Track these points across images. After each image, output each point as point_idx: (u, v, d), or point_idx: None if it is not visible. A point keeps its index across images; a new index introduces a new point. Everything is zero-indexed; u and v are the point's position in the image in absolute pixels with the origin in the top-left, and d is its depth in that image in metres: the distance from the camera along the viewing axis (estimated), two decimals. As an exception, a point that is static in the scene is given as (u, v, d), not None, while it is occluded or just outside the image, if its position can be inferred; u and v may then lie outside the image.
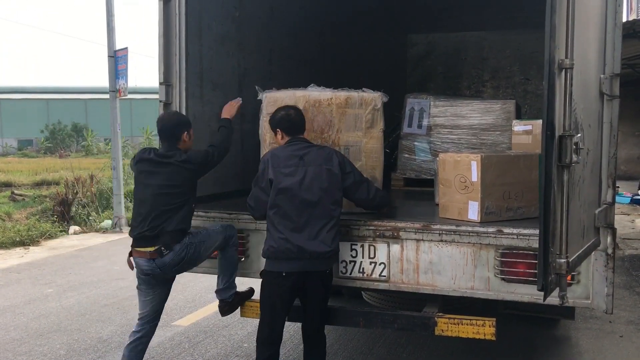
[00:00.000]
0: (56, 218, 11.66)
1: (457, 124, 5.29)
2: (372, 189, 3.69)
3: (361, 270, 3.70)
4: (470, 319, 3.50)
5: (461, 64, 9.28)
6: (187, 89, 4.24)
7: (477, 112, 5.22)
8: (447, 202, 3.78)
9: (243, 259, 3.98)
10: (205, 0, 4.53)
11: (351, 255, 3.72)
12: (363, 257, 3.69)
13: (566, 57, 2.54)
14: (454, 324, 3.52)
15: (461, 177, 3.65)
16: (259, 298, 3.68)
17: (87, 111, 43.71)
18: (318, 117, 3.81)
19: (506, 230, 3.39)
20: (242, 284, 4.05)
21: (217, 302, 4.06)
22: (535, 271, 3.23)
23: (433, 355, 4.95)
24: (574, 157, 2.58)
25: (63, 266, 8.61)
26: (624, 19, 4.29)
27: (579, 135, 2.65)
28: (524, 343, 5.17)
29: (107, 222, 11.88)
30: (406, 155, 5.55)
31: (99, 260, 8.96)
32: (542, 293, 2.62)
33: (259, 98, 4.00)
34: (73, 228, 11.52)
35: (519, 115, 5.27)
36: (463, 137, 5.26)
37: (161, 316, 3.94)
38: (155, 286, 3.80)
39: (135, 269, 3.75)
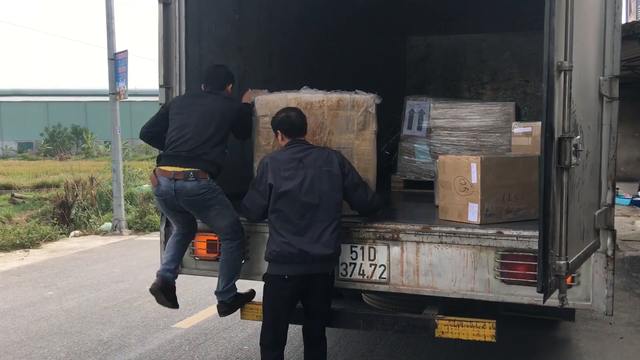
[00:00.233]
0: (56, 221, 11.65)
1: (456, 126, 5.30)
2: (370, 191, 3.70)
3: (361, 272, 3.70)
4: (471, 321, 3.50)
5: (461, 66, 9.29)
6: (187, 91, 4.25)
7: (477, 114, 5.23)
8: (447, 204, 3.79)
9: (243, 261, 3.98)
10: (205, 4, 4.54)
11: (351, 257, 3.72)
12: (363, 259, 3.69)
13: (565, 59, 2.54)
14: (454, 325, 3.52)
15: (461, 179, 3.66)
16: (260, 300, 3.69)
17: (87, 114, 43.72)
18: (310, 119, 3.80)
19: (506, 232, 3.40)
20: (242, 285, 4.04)
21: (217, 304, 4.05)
22: (535, 273, 3.22)
23: (433, 357, 4.95)
24: (574, 159, 2.58)
25: (63, 269, 8.61)
26: (623, 21, 4.30)
27: (579, 137, 2.65)
28: (524, 345, 5.17)
29: (107, 225, 11.88)
30: (406, 157, 5.56)
31: (99, 263, 8.96)
32: (542, 295, 2.61)
33: (250, 101, 4.03)
34: (74, 232, 11.53)
35: (518, 117, 5.28)
36: (463, 139, 5.27)
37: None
38: (170, 211, 3.83)
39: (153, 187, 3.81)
